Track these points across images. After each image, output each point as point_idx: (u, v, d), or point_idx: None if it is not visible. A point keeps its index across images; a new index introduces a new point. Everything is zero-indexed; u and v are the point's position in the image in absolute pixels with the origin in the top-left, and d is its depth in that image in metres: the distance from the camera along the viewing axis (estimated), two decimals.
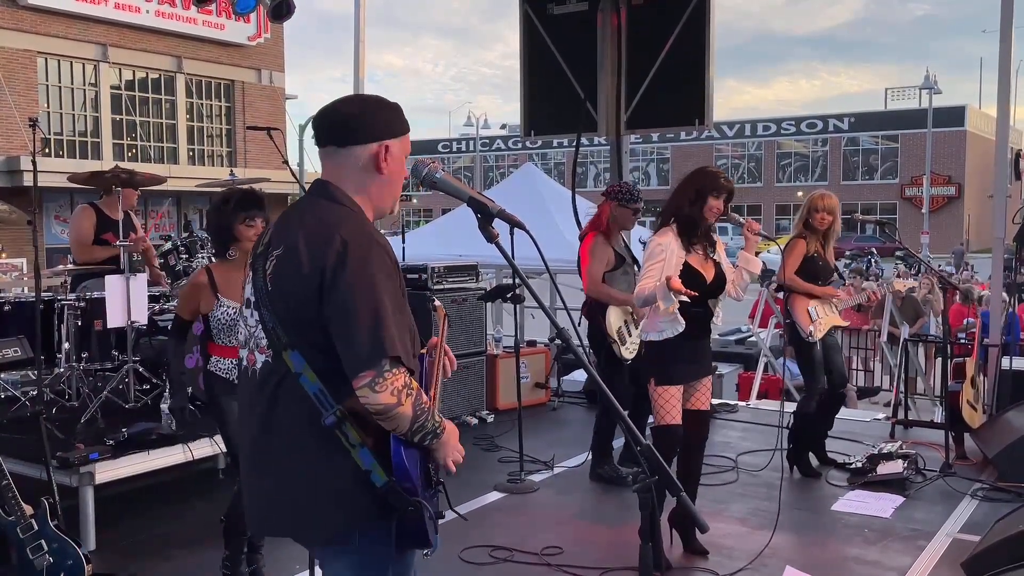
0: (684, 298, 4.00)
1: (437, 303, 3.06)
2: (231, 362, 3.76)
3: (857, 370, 10.63)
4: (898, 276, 6.72)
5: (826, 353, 5.65)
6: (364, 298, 1.93)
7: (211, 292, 3.76)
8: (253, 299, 2.09)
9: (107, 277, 5.27)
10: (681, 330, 4.18)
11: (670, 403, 4.25)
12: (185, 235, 6.17)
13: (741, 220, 4.32)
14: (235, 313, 3.71)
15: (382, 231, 2.22)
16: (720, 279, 4.32)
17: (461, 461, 2.14)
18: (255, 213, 3.84)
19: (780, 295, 5.78)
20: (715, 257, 4.33)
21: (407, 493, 1.98)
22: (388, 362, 1.91)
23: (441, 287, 6.95)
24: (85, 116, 21.10)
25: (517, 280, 5.87)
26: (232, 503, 3.90)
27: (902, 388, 7.16)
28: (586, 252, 5.45)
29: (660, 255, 4.19)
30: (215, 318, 3.75)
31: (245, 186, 5.84)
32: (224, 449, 4.14)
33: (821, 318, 5.55)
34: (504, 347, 7.92)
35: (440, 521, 2.12)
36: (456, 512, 2.34)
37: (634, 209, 5.46)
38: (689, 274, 4.20)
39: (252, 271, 2.13)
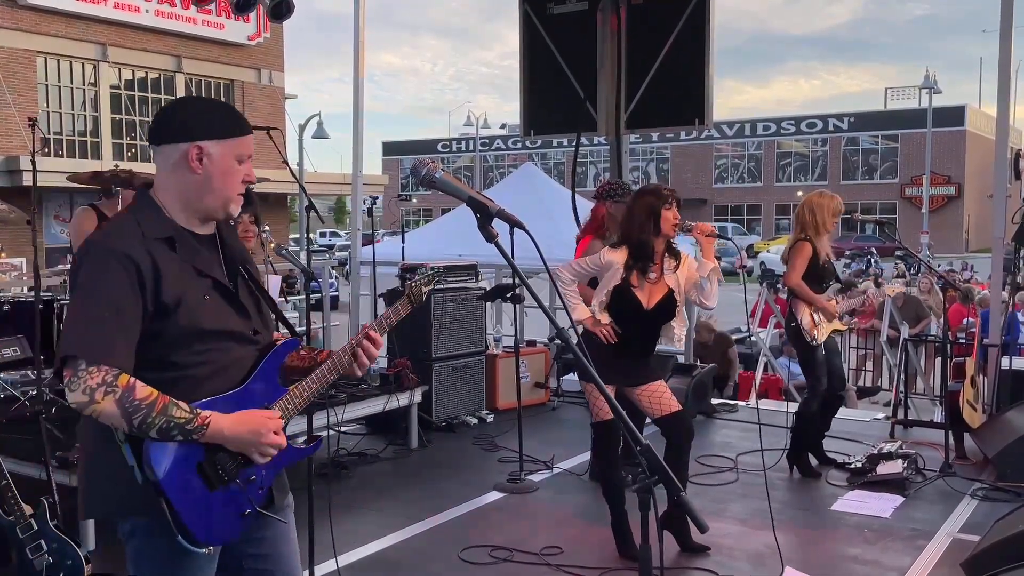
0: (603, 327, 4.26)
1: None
2: None
3: (862, 370, 10.63)
4: (896, 276, 6.72)
5: (826, 356, 5.64)
6: (76, 303, 2.06)
7: None
8: None
9: None
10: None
11: (599, 401, 4.29)
12: None
13: (690, 225, 4.27)
14: None
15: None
16: (667, 306, 4.29)
17: (269, 453, 2.16)
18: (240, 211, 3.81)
19: (780, 294, 5.77)
20: (674, 277, 4.28)
21: (155, 489, 2.05)
22: (85, 362, 1.97)
23: (441, 287, 6.94)
24: (84, 116, 21.09)
25: (517, 280, 5.86)
26: None
27: (902, 388, 7.15)
28: (581, 255, 5.41)
29: (595, 263, 4.34)
30: None
31: None
32: None
33: (823, 322, 5.57)
34: (504, 347, 7.91)
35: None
36: (270, 514, 2.27)
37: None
38: (624, 299, 4.24)
39: None
